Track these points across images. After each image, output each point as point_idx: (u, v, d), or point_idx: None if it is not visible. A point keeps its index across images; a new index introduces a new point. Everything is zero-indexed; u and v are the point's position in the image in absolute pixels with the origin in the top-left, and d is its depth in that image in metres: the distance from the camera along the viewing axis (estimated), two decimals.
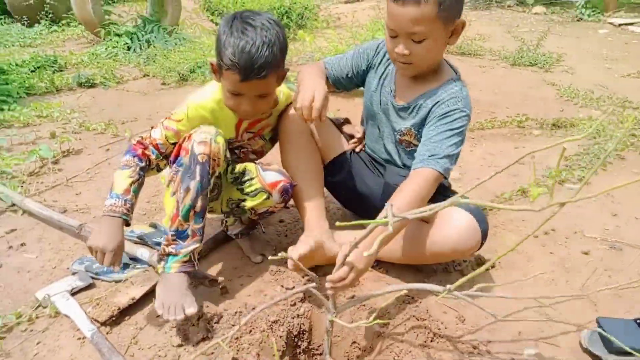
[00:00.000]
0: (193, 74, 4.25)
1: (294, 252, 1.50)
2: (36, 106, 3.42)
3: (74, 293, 1.66)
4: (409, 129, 1.67)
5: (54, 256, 1.89)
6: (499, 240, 1.96)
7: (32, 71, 4.37)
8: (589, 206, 2.21)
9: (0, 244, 1.97)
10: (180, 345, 1.43)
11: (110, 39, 5.17)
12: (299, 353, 1.55)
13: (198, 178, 1.46)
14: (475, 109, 3.50)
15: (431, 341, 1.43)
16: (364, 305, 1.59)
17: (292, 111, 1.72)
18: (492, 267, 1.79)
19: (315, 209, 1.70)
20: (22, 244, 1.96)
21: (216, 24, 5.67)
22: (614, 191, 2.30)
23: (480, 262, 1.82)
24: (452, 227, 1.55)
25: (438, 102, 1.57)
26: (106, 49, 5.11)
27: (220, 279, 1.62)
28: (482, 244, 1.58)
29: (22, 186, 2.39)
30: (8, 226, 2.09)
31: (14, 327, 1.53)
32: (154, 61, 4.58)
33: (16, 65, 4.41)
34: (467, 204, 0.97)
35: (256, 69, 1.40)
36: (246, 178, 1.69)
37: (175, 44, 5.05)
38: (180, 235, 1.49)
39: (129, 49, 5.08)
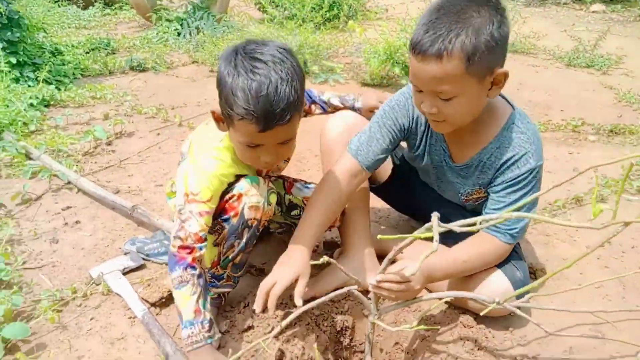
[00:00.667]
0: None
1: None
2: (90, 87, 3.54)
3: (125, 273, 1.71)
4: (477, 189, 1.51)
5: (106, 235, 1.96)
6: (550, 250, 1.89)
7: (86, 53, 4.53)
8: None
9: (57, 220, 2.05)
10: (226, 332, 1.46)
11: (161, 24, 5.27)
12: (341, 349, 1.55)
13: (245, 240, 1.40)
14: (528, 111, 3.39)
15: (478, 350, 1.40)
16: (409, 307, 1.58)
17: (331, 123, 1.68)
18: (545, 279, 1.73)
19: (358, 232, 1.64)
20: (76, 222, 2.04)
21: (264, 11, 5.68)
22: None
23: (531, 271, 1.76)
24: (489, 292, 1.36)
25: (505, 161, 1.36)
26: (157, 33, 5.21)
27: (267, 268, 1.63)
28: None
29: (77, 165, 2.48)
30: (64, 203, 2.17)
31: (70, 302, 1.60)
32: (202, 48, 4.64)
33: (72, 46, 4.57)
34: (521, 216, 0.94)
35: (277, 114, 1.17)
36: (294, 213, 1.70)
37: (224, 32, 5.09)
38: (216, 277, 1.47)
39: (179, 34, 5.17)
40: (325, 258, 1.06)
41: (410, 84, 1.33)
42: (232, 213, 1.34)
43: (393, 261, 1.25)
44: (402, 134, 1.53)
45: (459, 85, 1.20)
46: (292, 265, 1.33)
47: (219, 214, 1.36)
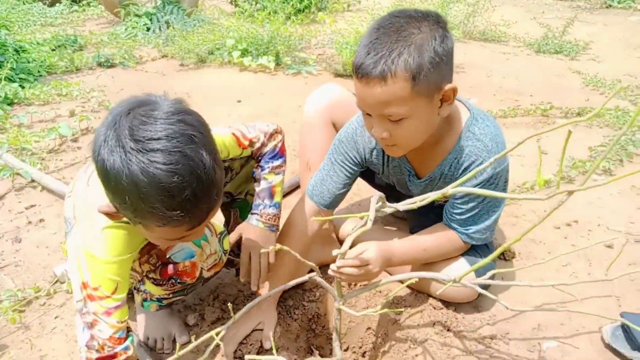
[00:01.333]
0: (211, 56, 4.23)
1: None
2: (56, 84, 3.44)
3: None
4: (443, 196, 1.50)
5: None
6: (518, 231, 1.91)
7: (52, 50, 4.40)
8: (613, 199, 2.15)
9: (20, 219, 1.99)
10: (195, 325, 1.44)
11: (130, 20, 5.17)
12: (314, 336, 1.54)
13: (197, 287, 1.37)
14: (498, 97, 3.42)
15: (448, 330, 1.41)
16: (380, 292, 1.58)
17: (310, 98, 1.64)
18: (512, 257, 1.75)
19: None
20: (40, 220, 1.98)
21: (236, 4, 5.61)
22: (639, 183, 2.23)
23: (501, 254, 1.78)
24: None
25: (464, 170, 1.32)
26: (126, 29, 5.11)
27: (236, 260, 1.61)
28: (479, 295, 1.49)
29: (41, 163, 2.41)
30: (28, 202, 2.11)
31: (33, 301, 1.55)
32: (172, 42, 4.56)
33: (37, 44, 4.44)
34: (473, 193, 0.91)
35: (208, 204, 0.94)
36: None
37: (194, 26, 5.02)
38: (161, 299, 1.37)
39: (148, 29, 5.07)
40: (279, 245, 1.03)
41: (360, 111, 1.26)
42: (187, 279, 1.22)
43: (351, 246, 1.24)
44: (358, 166, 1.47)
45: (407, 106, 1.13)
46: (256, 315, 1.40)
47: (168, 279, 1.20)
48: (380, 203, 0.91)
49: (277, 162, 1.39)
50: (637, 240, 1.86)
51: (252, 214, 1.38)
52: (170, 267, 1.19)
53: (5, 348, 1.38)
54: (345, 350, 1.53)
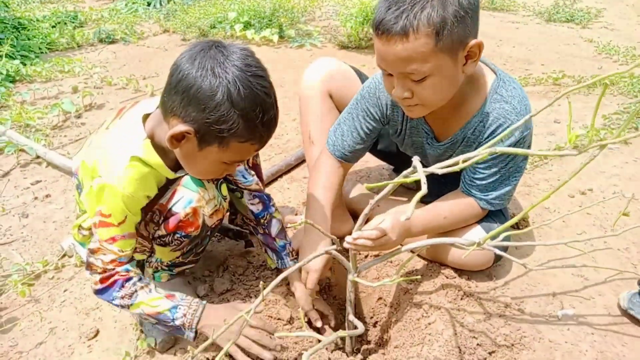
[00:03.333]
0: (214, 30, 4.15)
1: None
2: (58, 61, 3.39)
3: None
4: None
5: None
6: (533, 200, 1.87)
7: (52, 27, 4.33)
8: (628, 167, 2.10)
9: (26, 195, 1.97)
10: (205, 296, 1.42)
11: None
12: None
13: (207, 241, 1.35)
14: (509, 66, 3.34)
15: (461, 299, 1.38)
16: (391, 262, 1.55)
17: (308, 71, 1.61)
18: (526, 226, 1.72)
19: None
20: (47, 195, 1.97)
21: None
22: None
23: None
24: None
25: (489, 134, 1.26)
26: (126, 4, 5.03)
27: (245, 231, 1.59)
28: (494, 262, 1.47)
29: (45, 139, 2.38)
30: (33, 177, 2.09)
31: (42, 275, 1.54)
32: (174, 17, 4.48)
33: (37, 20, 4.38)
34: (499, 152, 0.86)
35: (272, 134, 1.12)
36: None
37: None
38: (176, 265, 1.36)
39: (149, 4, 4.99)
40: (303, 218, 1.01)
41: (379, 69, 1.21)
42: (191, 229, 1.21)
43: (369, 219, 1.21)
44: (378, 123, 1.44)
45: (430, 63, 1.07)
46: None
47: (173, 232, 1.21)
48: (420, 164, 0.86)
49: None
50: None
51: (285, 255, 1.45)
52: (173, 219, 1.18)
53: (16, 320, 1.37)
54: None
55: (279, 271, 1.47)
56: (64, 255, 1.61)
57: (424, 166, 0.85)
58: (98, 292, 1.16)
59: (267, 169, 2.03)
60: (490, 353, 1.21)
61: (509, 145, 1.25)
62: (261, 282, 0.92)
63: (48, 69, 3.29)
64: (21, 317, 1.39)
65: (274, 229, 1.45)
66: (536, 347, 1.24)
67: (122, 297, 1.15)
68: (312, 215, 1.42)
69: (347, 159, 1.49)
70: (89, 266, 1.16)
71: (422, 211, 1.38)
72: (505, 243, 0.99)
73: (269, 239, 1.45)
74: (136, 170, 1.10)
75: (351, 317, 1.23)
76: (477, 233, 1.39)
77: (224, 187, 1.29)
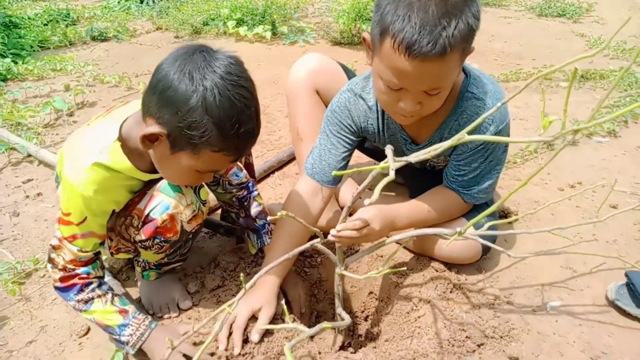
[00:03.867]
0: (207, 27, 4.14)
1: None
2: (50, 59, 3.38)
3: None
4: (442, 158, 1.43)
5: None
6: (522, 194, 1.88)
7: (44, 24, 4.32)
8: (617, 160, 2.12)
9: (18, 194, 1.97)
10: (197, 292, 1.43)
11: None
12: (317, 302, 1.54)
13: (190, 243, 1.35)
14: (500, 61, 3.35)
15: (450, 292, 1.39)
16: (382, 256, 1.56)
17: (294, 68, 1.61)
18: (516, 220, 1.72)
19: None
20: (38, 194, 1.96)
21: None
22: None
23: (503, 214, 1.76)
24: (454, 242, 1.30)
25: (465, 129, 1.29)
26: (119, 2, 5.01)
27: (236, 227, 1.59)
28: (482, 256, 1.48)
29: (37, 137, 2.38)
30: (25, 176, 2.09)
31: (33, 273, 1.54)
32: (166, 14, 4.47)
33: (29, 18, 4.36)
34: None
35: (250, 147, 1.10)
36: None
37: None
38: (163, 264, 1.38)
39: (141, 1, 4.97)
40: (284, 212, 1.00)
41: (376, 84, 1.17)
42: (170, 235, 1.21)
43: (351, 214, 1.21)
44: (355, 135, 1.42)
45: (453, 75, 1.07)
46: (257, 297, 1.25)
47: (152, 237, 1.20)
48: (392, 154, 0.87)
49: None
50: None
51: (264, 234, 1.46)
52: (150, 225, 1.18)
53: (6, 319, 1.37)
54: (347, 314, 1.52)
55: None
56: None
57: (408, 168, 0.85)
58: (57, 289, 1.19)
59: (259, 165, 2.04)
60: (479, 345, 1.22)
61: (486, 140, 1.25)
62: (242, 274, 0.92)
63: (40, 67, 3.28)
64: (11, 315, 1.39)
65: (254, 210, 1.46)
66: (525, 339, 1.26)
67: (78, 301, 1.16)
68: (270, 258, 1.31)
69: (329, 181, 1.43)
70: (50, 260, 1.17)
71: (405, 204, 1.38)
72: (490, 232, 1.00)
73: (249, 220, 1.47)
74: (96, 174, 1.08)
75: (339, 309, 1.24)
76: (462, 225, 1.40)
77: (203, 192, 1.29)
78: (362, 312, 1.52)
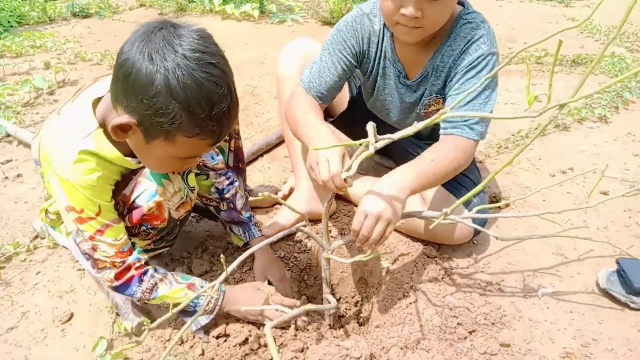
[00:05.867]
0: (192, 4, 4.03)
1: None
2: (29, 35, 3.25)
3: None
4: (434, 98, 1.43)
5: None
6: (513, 178, 1.87)
7: None
8: (608, 146, 2.11)
9: None
10: None
11: None
12: (306, 287, 1.52)
13: (177, 230, 1.31)
14: None
15: (442, 279, 1.38)
16: None
17: (285, 51, 1.61)
18: (507, 205, 1.72)
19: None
20: (18, 175, 1.90)
21: None
22: (636, 130, 2.19)
23: (494, 200, 1.75)
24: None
25: (457, 54, 1.29)
26: None
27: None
28: (472, 237, 1.50)
29: (16, 116, 2.29)
30: (3, 157, 2.01)
31: (13, 257, 1.49)
32: None
33: None
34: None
35: (229, 127, 0.99)
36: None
37: None
38: (147, 251, 1.28)
39: None
40: (266, 194, 0.96)
41: None
42: (157, 222, 1.17)
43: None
44: (355, 58, 1.43)
45: None
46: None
47: (139, 225, 1.16)
48: (374, 130, 0.85)
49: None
50: (632, 187, 1.83)
51: (252, 225, 1.45)
52: (136, 212, 1.13)
53: None
54: (337, 300, 1.51)
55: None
56: (36, 237, 1.56)
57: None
58: (116, 289, 1.13)
59: (247, 147, 1.99)
60: (470, 332, 1.21)
61: (478, 57, 1.26)
62: (222, 255, 0.88)
63: (18, 44, 3.15)
64: None
65: (239, 202, 1.43)
66: (516, 326, 1.25)
67: (143, 292, 1.13)
68: (316, 130, 1.27)
69: (322, 97, 1.43)
70: (96, 265, 1.10)
71: (408, 164, 1.23)
72: (479, 215, 0.98)
73: (233, 213, 1.43)
74: (85, 165, 1.02)
75: (325, 294, 1.22)
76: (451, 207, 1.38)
77: (191, 178, 1.24)
78: (352, 297, 1.50)
